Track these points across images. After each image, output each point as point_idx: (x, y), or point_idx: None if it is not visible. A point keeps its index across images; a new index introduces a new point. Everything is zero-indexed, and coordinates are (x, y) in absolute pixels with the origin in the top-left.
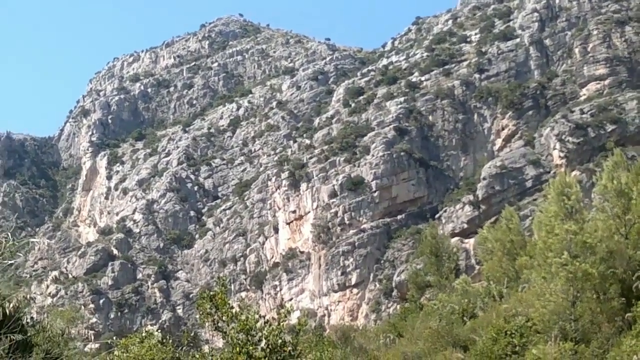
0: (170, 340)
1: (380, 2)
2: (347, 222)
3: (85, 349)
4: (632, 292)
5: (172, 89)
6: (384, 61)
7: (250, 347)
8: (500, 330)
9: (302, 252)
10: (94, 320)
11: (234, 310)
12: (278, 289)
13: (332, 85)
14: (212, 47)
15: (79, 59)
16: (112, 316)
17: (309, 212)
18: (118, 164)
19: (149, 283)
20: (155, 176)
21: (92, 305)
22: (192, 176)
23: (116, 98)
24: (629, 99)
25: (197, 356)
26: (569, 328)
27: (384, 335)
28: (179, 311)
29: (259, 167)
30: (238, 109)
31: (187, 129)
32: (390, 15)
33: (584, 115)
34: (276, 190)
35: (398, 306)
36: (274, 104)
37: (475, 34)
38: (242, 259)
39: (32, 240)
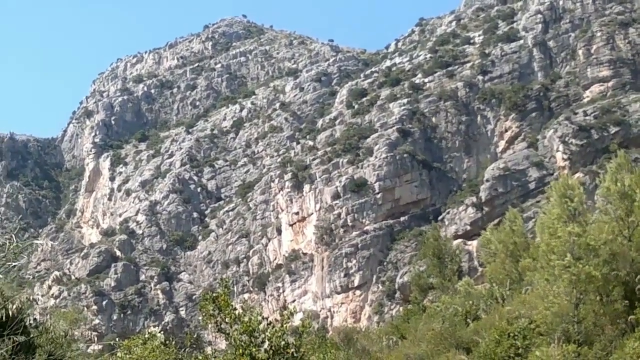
0: (173, 342)
1: (383, 4)
2: (350, 223)
3: (88, 350)
4: (635, 295)
5: (175, 90)
6: (387, 63)
7: (253, 349)
8: (503, 333)
9: (305, 254)
10: (97, 321)
11: (237, 312)
12: (281, 290)
13: (335, 86)
14: (215, 48)
15: (82, 60)
16: (115, 317)
17: (312, 213)
18: (121, 165)
19: (152, 284)
20: (158, 177)
21: (95, 307)
22: (195, 177)
23: (119, 99)
24: (633, 101)
25: (200, 358)
26: (572, 330)
27: (387, 337)
28: (182, 313)
29: (262, 169)
30: (241, 110)
31: (190, 130)
32: (393, 16)
33: (587, 117)
34: (279, 191)
35: (401, 308)
36: (277, 105)
37: (479, 35)
38: (245, 260)
39: (35, 241)
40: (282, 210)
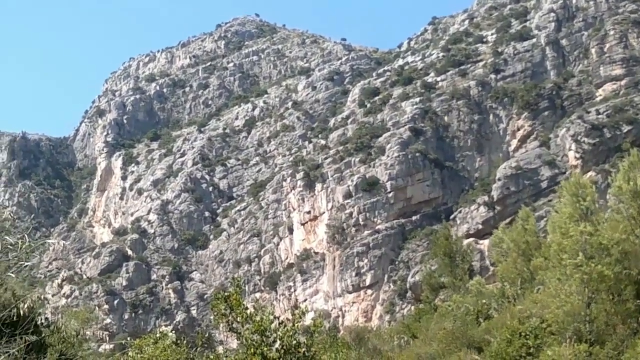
0: (185, 341)
1: (396, 2)
2: (361, 222)
3: (100, 349)
4: None
5: (187, 89)
6: (400, 61)
7: (265, 348)
8: (515, 332)
9: (316, 253)
10: (108, 321)
11: (248, 311)
12: (292, 289)
13: (347, 85)
14: (228, 47)
15: (95, 59)
16: (126, 317)
17: (324, 212)
18: (133, 165)
19: (164, 284)
20: (170, 177)
21: (106, 306)
22: (207, 177)
23: (132, 98)
24: None
25: (212, 357)
26: (584, 329)
27: (398, 337)
28: (193, 312)
29: (274, 168)
30: (253, 109)
31: (202, 129)
32: (406, 15)
33: (599, 116)
34: (291, 190)
35: (412, 307)
36: (290, 104)
37: (492, 34)
38: (256, 259)
39: (47, 241)
40: (294, 210)
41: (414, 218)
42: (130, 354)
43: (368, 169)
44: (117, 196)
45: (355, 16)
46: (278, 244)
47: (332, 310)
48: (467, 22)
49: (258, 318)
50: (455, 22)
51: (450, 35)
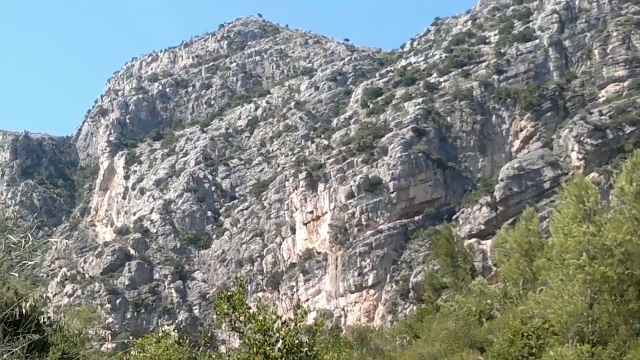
0: (187, 341)
1: (399, 3)
2: (364, 223)
3: (102, 348)
4: None
5: (190, 89)
6: (403, 62)
7: (267, 348)
8: (517, 332)
9: (319, 253)
10: (111, 320)
11: (251, 311)
12: (295, 289)
13: (350, 85)
14: (230, 47)
15: (98, 58)
16: (128, 316)
17: (326, 212)
18: (135, 164)
19: (166, 283)
20: (172, 176)
21: (108, 305)
22: (209, 176)
23: (134, 98)
24: None
25: (214, 357)
26: (586, 330)
27: (401, 337)
28: (196, 311)
29: (276, 168)
30: (256, 109)
31: (205, 129)
32: (409, 15)
33: (602, 117)
34: (293, 190)
35: (415, 307)
36: (292, 104)
37: (495, 35)
38: (259, 259)
39: (49, 240)
40: (297, 209)
41: (416, 218)
42: (132, 353)
43: (371, 169)
44: (119, 195)
45: (358, 16)
46: (280, 244)
47: (334, 310)
48: (469, 22)
49: (261, 317)
50: (458, 23)
51: (453, 36)
